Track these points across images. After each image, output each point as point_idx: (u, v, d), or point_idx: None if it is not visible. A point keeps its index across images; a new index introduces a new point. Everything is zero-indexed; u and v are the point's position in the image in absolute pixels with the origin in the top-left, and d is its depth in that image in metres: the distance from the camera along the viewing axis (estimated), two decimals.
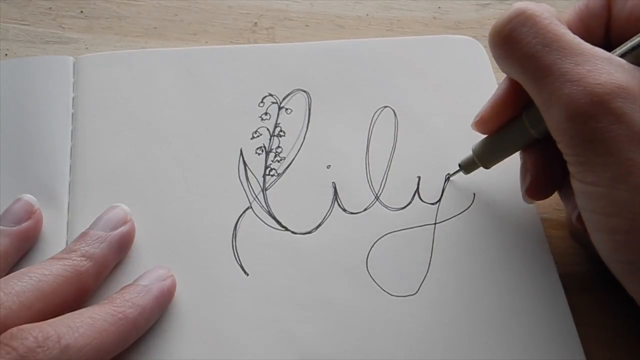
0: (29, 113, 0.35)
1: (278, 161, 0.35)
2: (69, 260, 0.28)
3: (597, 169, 0.24)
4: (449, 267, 0.31)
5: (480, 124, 0.31)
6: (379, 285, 0.31)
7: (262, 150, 0.35)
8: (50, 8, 0.41)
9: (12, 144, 0.34)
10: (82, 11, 0.41)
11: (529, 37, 0.26)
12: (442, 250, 0.32)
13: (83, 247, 0.29)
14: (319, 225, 0.33)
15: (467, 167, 0.33)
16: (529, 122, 0.29)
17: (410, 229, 0.33)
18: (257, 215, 0.33)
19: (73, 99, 0.36)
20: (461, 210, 0.33)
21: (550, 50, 0.25)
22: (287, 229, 0.33)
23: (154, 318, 0.29)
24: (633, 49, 0.26)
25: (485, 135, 0.32)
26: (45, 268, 0.28)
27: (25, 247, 0.31)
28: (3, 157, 0.34)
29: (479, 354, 0.29)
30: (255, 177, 0.34)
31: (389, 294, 0.31)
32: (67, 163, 0.34)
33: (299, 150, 0.35)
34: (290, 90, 0.37)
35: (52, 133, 0.35)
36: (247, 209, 0.33)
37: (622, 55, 0.26)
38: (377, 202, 0.34)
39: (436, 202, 0.33)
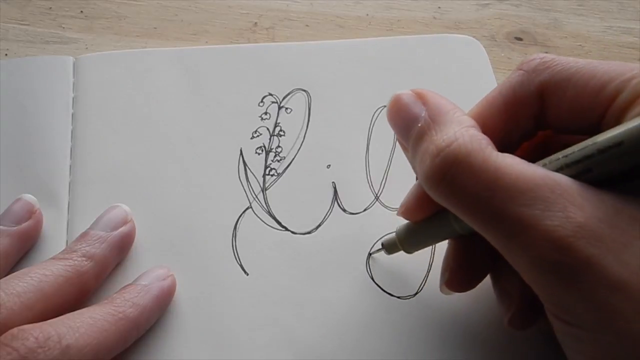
0: (29, 113, 0.36)
1: (278, 161, 0.35)
2: (70, 261, 0.28)
3: (579, 312, 0.21)
4: None
5: (405, 215, 0.29)
6: (378, 286, 0.31)
7: (262, 150, 0.35)
8: (50, 8, 0.41)
9: (12, 143, 0.34)
10: (82, 11, 0.41)
11: (469, 185, 0.23)
12: (442, 251, 0.32)
13: (84, 247, 0.29)
14: (319, 225, 0.33)
15: (389, 248, 0.31)
16: (454, 218, 0.26)
17: None
18: (257, 215, 0.33)
19: (73, 99, 0.36)
20: None
21: (495, 194, 0.22)
22: (287, 229, 0.33)
23: (154, 318, 0.29)
24: (585, 170, 0.22)
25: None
26: (46, 268, 0.28)
27: (25, 247, 0.31)
28: (3, 157, 0.34)
29: (478, 354, 0.29)
30: (255, 177, 0.34)
31: (388, 294, 0.31)
32: (67, 163, 0.34)
33: (298, 150, 0.35)
34: (290, 90, 0.37)
35: (52, 133, 0.35)
36: (247, 209, 0.33)
37: (570, 168, 0.23)
38: (377, 202, 0.34)
39: None
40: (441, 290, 0.29)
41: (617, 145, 0.21)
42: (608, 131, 0.22)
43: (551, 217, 0.21)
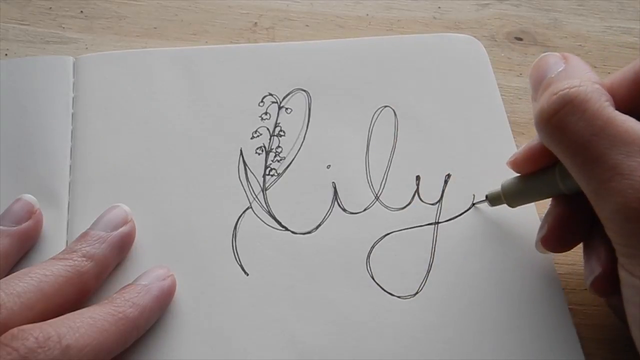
0: (29, 113, 0.36)
1: (278, 161, 0.35)
2: (70, 261, 0.28)
3: None
4: (449, 268, 0.31)
5: (513, 165, 0.31)
6: (379, 285, 0.31)
7: (262, 150, 0.35)
8: (50, 8, 0.41)
9: (12, 144, 0.34)
10: (82, 11, 0.41)
11: (578, 126, 0.24)
12: (442, 251, 0.32)
13: (84, 247, 0.29)
14: (319, 225, 0.33)
15: (493, 200, 0.32)
16: (560, 176, 0.28)
17: (410, 229, 0.33)
18: (257, 215, 0.33)
19: (73, 99, 0.36)
20: (461, 211, 0.33)
21: (599, 139, 0.24)
22: (287, 229, 0.33)
23: (154, 318, 0.29)
24: None
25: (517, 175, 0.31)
26: (46, 268, 0.28)
27: (25, 247, 0.31)
28: (3, 157, 0.34)
29: (478, 354, 0.29)
30: (255, 177, 0.34)
31: (389, 294, 0.31)
32: (67, 163, 0.34)
33: (299, 150, 0.35)
34: (290, 90, 0.37)
35: (52, 133, 0.35)
36: (247, 209, 0.33)
37: None
38: (377, 202, 0.34)
39: (436, 203, 0.33)
40: (536, 247, 0.30)
41: None
42: None
43: None
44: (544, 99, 0.26)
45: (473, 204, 0.33)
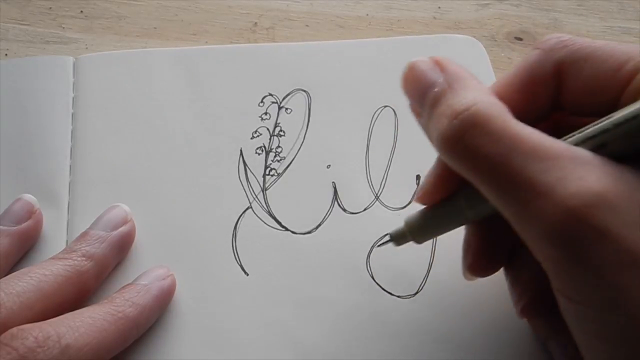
0: (29, 113, 0.36)
1: (278, 161, 0.35)
2: (70, 261, 0.28)
3: (586, 289, 0.21)
4: (449, 267, 0.31)
5: (424, 197, 0.28)
6: (379, 285, 0.31)
7: (262, 150, 0.35)
8: (50, 8, 0.41)
9: (12, 144, 0.34)
10: (82, 11, 0.41)
11: (486, 150, 0.22)
12: (442, 250, 0.32)
13: (83, 247, 0.29)
14: (319, 225, 0.33)
15: (397, 238, 0.28)
16: (466, 201, 0.26)
17: None
18: (257, 215, 0.33)
19: (73, 99, 0.36)
20: None
21: (512, 159, 0.21)
22: (287, 229, 0.33)
23: (154, 317, 0.29)
24: (600, 145, 0.22)
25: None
26: (45, 268, 0.28)
27: (25, 247, 0.31)
28: (3, 157, 0.34)
29: (478, 354, 0.29)
30: (255, 177, 0.34)
31: (389, 293, 0.31)
32: (67, 163, 0.34)
33: (298, 150, 0.35)
34: (290, 90, 0.37)
35: (52, 133, 0.35)
36: (247, 209, 0.33)
37: (585, 143, 0.23)
38: (377, 202, 0.34)
39: None
40: (464, 276, 0.29)
41: (633, 118, 0.21)
42: (625, 107, 0.22)
43: (567, 185, 0.20)
44: (443, 124, 0.23)
45: (377, 246, 0.32)
